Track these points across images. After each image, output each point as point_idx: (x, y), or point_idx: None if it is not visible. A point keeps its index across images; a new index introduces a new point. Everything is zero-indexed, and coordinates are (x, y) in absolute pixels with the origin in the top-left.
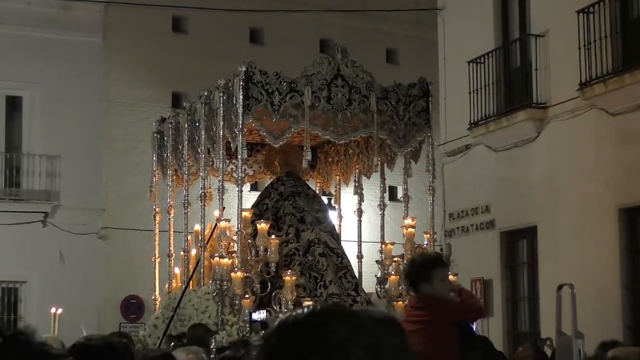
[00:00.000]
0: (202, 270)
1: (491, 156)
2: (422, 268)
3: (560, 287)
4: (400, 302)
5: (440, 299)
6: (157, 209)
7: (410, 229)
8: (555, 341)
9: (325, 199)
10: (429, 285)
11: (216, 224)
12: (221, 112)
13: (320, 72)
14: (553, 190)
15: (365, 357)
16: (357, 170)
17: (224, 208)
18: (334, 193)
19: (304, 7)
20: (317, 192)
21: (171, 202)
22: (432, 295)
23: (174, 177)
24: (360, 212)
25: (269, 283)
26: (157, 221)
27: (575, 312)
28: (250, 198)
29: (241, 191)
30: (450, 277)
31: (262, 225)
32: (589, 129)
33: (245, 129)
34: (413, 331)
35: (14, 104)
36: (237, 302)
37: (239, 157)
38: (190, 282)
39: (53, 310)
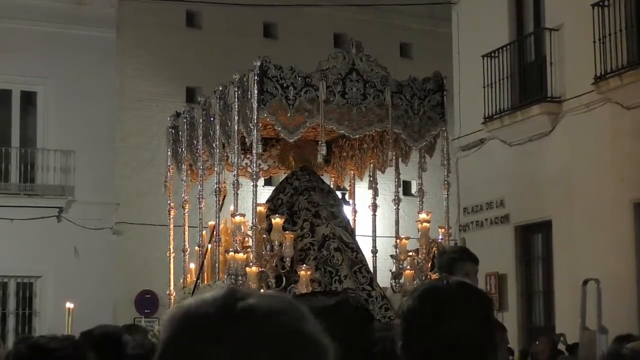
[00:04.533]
0: (217, 265)
1: (506, 150)
2: (447, 259)
3: (585, 282)
4: None
5: None
6: (171, 204)
7: (425, 224)
8: (579, 336)
9: (339, 194)
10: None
11: (212, 234)
12: (236, 106)
13: (335, 67)
14: (568, 184)
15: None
16: (371, 164)
17: (224, 197)
18: (348, 188)
19: (317, 1)
20: (332, 186)
21: (186, 197)
22: None
23: (189, 172)
24: (374, 207)
25: (284, 278)
26: (171, 216)
27: (600, 308)
28: (265, 193)
29: (256, 186)
30: None
31: (277, 220)
32: (604, 123)
33: (260, 124)
34: None
35: (28, 99)
36: None
37: (254, 151)
38: (205, 277)
39: (68, 305)
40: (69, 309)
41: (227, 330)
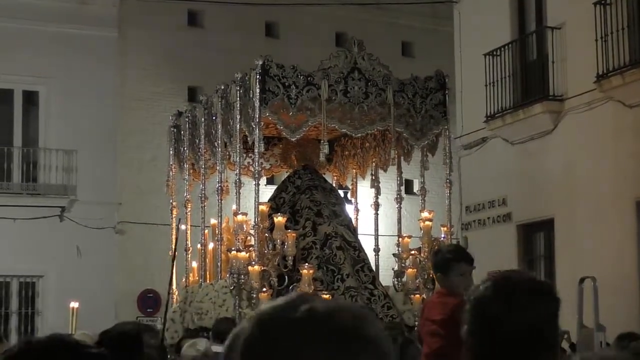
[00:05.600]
0: (219, 264)
1: (508, 149)
2: (441, 259)
3: (582, 280)
4: (417, 295)
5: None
6: (174, 203)
7: (427, 222)
8: (577, 334)
9: (341, 193)
10: (445, 277)
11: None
12: (238, 105)
13: (337, 66)
14: (570, 182)
15: None
16: (373, 163)
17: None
18: (350, 186)
19: (319, 0)
20: (334, 185)
21: (188, 196)
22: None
23: (191, 171)
24: (377, 206)
25: (286, 276)
26: (174, 215)
27: (597, 305)
28: (267, 192)
29: (258, 185)
30: None
31: (279, 219)
32: (606, 122)
33: (262, 123)
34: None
35: (30, 99)
36: (254, 295)
37: (256, 150)
38: (207, 276)
39: (72, 304)
40: (73, 308)
41: (291, 332)
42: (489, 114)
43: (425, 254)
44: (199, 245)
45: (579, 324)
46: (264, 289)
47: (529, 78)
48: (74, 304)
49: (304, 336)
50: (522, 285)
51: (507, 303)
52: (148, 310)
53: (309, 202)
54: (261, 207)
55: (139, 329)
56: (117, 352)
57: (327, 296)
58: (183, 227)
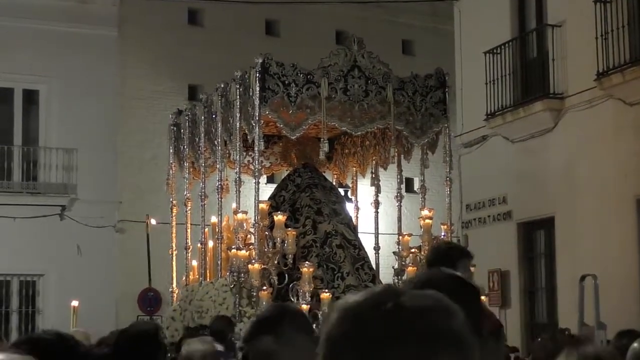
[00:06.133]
0: (219, 262)
1: (508, 147)
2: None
3: (582, 278)
4: None
5: None
6: (174, 202)
7: (427, 220)
8: (578, 332)
9: (342, 191)
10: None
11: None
12: (238, 104)
13: (337, 64)
14: (570, 180)
15: None
16: (373, 161)
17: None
18: (350, 185)
19: None
20: (334, 183)
21: (188, 195)
22: None
23: (191, 170)
24: (377, 204)
25: (286, 275)
26: (174, 213)
27: (598, 303)
28: (267, 190)
29: (258, 183)
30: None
31: (279, 217)
32: (607, 119)
33: (262, 121)
34: None
35: (30, 98)
36: (254, 294)
37: (256, 149)
38: (207, 274)
39: (73, 303)
40: (73, 307)
41: (378, 327)
42: (489, 112)
43: (425, 252)
44: (199, 244)
45: (579, 321)
46: (264, 287)
47: (529, 76)
48: (75, 303)
49: (391, 331)
50: (441, 282)
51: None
52: (149, 308)
53: (309, 201)
54: (261, 206)
55: (157, 328)
56: (135, 351)
57: (327, 295)
58: (153, 221)
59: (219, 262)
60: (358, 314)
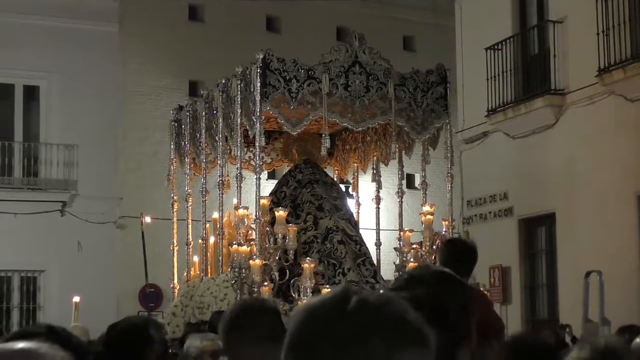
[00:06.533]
0: (220, 258)
1: (509, 143)
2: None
3: (587, 274)
4: None
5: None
6: (175, 198)
7: (428, 216)
8: (582, 328)
9: (343, 187)
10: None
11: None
12: (239, 99)
13: (338, 59)
14: (571, 177)
15: None
16: (375, 157)
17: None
18: (351, 181)
19: None
20: (335, 179)
21: (189, 191)
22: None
23: (192, 166)
24: (378, 200)
25: (287, 271)
26: (175, 209)
27: (603, 299)
28: (268, 186)
29: (259, 179)
30: None
31: (281, 213)
32: (608, 116)
33: (263, 117)
34: None
35: (31, 94)
36: (255, 289)
37: (257, 144)
38: (208, 270)
39: (75, 299)
40: (75, 302)
41: (346, 321)
42: (490, 108)
43: (427, 248)
44: (200, 240)
45: (584, 318)
46: (265, 283)
47: (531, 72)
48: (76, 299)
49: (355, 327)
50: (430, 279)
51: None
52: (150, 304)
53: (310, 196)
54: (262, 201)
55: (147, 323)
56: (125, 346)
57: (328, 290)
58: (148, 219)
59: (220, 258)
60: (323, 313)
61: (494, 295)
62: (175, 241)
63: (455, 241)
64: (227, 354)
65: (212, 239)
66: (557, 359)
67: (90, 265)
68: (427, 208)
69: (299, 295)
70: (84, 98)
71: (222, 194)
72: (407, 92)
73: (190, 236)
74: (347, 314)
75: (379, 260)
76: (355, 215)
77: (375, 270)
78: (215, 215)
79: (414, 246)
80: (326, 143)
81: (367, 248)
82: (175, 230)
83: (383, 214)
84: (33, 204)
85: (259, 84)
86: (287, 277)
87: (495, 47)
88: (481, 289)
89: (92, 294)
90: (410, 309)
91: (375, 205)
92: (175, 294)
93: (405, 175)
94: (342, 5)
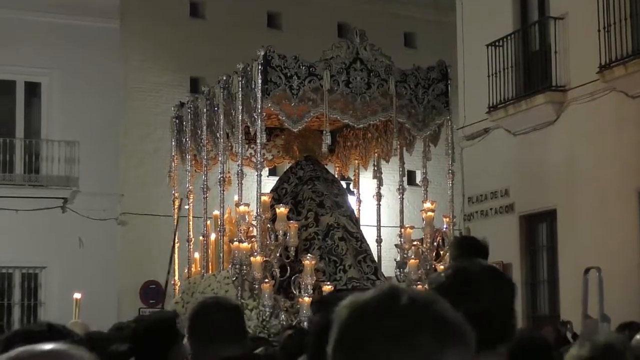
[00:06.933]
0: (221, 254)
1: (510, 140)
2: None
3: (587, 271)
4: (420, 286)
5: None
6: (176, 194)
7: (429, 213)
8: (581, 324)
9: (344, 184)
10: None
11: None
12: (240, 96)
13: (339, 56)
14: (572, 173)
15: None
16: (376, 154)
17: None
18: (352, 177)
19: None
20: (336, 176)
21: (190, 187)
22: None
23: (193, 162)
24: (379, 196)
25: (288, 267)
26: (176, 206)
27: (602, 295)
28: (269, 183)
29: (260, 176)
30: None
31: (282, 210)
32: (609, 112)
33: (264, 114)
34: None
35: (32, 90)
36: (256, 286)
37: (258, 141)
38: (209, 267)
39: (76, 295)
40: (76, 299)
41: (397, 317)
42: (491, 104)
43: (427, 244)
44: (201, 237)
45: (583, 314)
46: (266, 280)
47: (532, 69)
48: (77, 295)
49: (407, 323)
50: (479, 275)
51: (463, 292)
52: (151, 301)
53: (311, 193)
54: (263, 198)
55: (175, 316)
56: (153, 340)
57: (329, 287)
58: (186, 206)
59: (221, 255)
60: (373, 309)
61: None
62: (176, 238)
63: (467, 238)
64: (191, 353)
65: (213, 236)
66: (555, 355)
67: (91, 262)
68: (428, 205)
69: (299, 292)
70: (85, 95)
71: (223, 190)
72: (408, 89)
73: (191, 233)
74: (399, 310)
75: (379, 257)
76: (356, 212)
77: (376, 267)
78: (217, 212)
79: (415, 243)
80: (327, 140)
81: (368, 245)
82: (176, 227)
83: (384, 210)
84: (34, 200)
85: (260, 81)
86: (288, 274)
87: (496, 43)
88: None
89: (93, 290)
90: (450, 307)
91: (376, 202)
92: (176, 291)
93: (406, 172)
94: (343, 2)
